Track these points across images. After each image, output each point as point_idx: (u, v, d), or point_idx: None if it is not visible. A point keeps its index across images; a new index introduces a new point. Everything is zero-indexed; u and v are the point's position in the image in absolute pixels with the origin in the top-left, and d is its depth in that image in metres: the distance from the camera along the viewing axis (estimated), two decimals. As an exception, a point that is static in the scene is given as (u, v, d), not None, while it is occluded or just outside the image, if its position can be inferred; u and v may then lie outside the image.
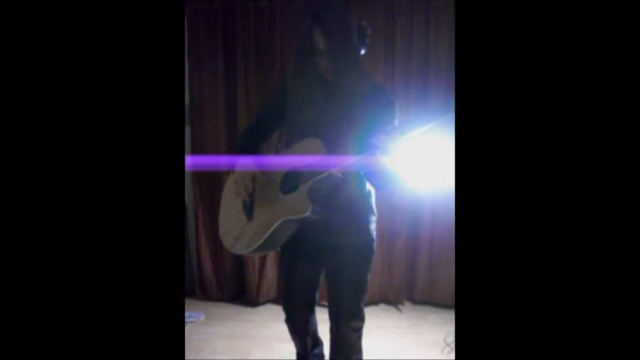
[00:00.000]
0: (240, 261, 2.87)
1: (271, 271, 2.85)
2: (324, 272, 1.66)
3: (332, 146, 1.39)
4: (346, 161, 1.34)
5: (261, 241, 1.46)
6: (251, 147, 1.59)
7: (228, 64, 2.66)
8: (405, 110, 2.49)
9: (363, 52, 1.47)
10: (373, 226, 1.59)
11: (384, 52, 2.62)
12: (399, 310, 2.84)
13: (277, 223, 1.44)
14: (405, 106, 2.53)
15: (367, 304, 2.77)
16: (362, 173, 1.45)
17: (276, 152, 1.60)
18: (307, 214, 1.38)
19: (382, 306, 2.89)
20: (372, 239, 1.58)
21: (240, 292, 2.94)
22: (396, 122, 1.45)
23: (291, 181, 1.46)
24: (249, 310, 2.85)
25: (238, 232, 1.56)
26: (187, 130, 2.75)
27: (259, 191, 1.53)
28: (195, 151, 2.77)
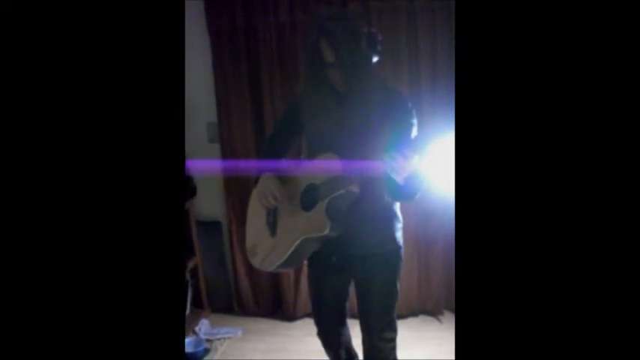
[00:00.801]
0: (275, 275, 2.86)
1: (307, 285, 2.81)
2: (352, 283, 1.64)
3: (348, 161, 1.37)
4: (361, 178, 1.33)
5: (284, 259, 1.47)
6: (273, 153, 1.59)
7: (252, 80, 2.69)
8: (432, 114, 2.46)
9: (375, 59, 1.45)
10: (399, 234, 1.56)
11: (408, 57, 2.57)
12: (439, 320, 2.78)
13: (298, 242, 1.44)
14: (432, 111, 2.48)
15: (406, 316, 2.80)
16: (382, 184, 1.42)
17: (299, 159, 1.61)
18: (326, 232, 1.37)
19: (422, 317, 2.83)
20: (399, 246, 1.56)
21: (276, 306, 2.94)
22: (414, 130, 1.42)
23: (310, 197, 1.45)
24: (286, 324, 2.83)
25: (263, 247, 1.57)
26: (217, 146, 2.79)
27: (282, 205, 1.52)
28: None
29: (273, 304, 2.94)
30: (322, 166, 1.43)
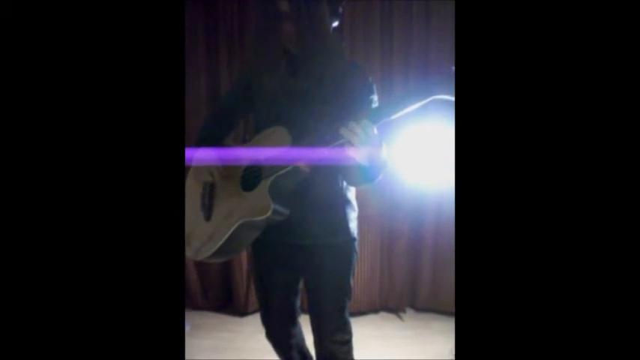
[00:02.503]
0: (226, 266, 2.67)
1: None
2: (302, 279, 1.46)
3: (298, 134, 1.20)
4: (312, 154, 1.14)
5: (218, 246, 1.25)
6: (212, 137, 1.39)
7: (210, 56, 2.48)
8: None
9: (335, 24, 1.27)
10: (353, 224, 1.39)
11: (381, 42, 2.42)
12: (400, 318, 2.65)
13: (235, 226, 1.23)
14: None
15: (366, 312, 2.65)
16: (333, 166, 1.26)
17: (243, 143, 1.40)
18: (268, 214, 1.19)
19: (383, 314, 2.70)
20: (353, 238, 1.39)
21: (227, 300, 2.75)
22: (373, 106, 1.26)
23: (251, 176, 1.27)
24: (236, 320, 2.65)
25: (197, 235, 1.35)
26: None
27: (219, 187, 1.33)
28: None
29: (223, 298, 2.75)
30: (268, 138, 1.25)
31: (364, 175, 1.20)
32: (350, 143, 1.07)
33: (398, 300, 2.67)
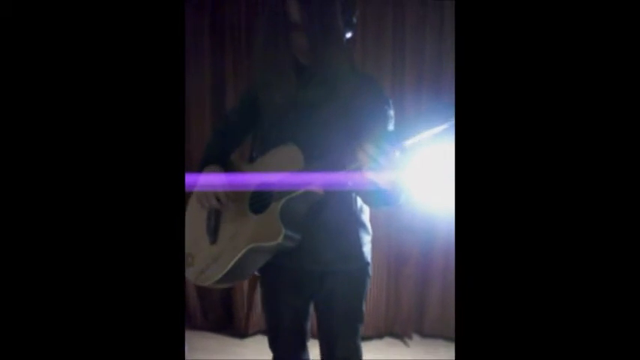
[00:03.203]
0: (227, 285, 2.59)
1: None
2: (312, 303, 1.39)
3: (311, 154, 1.13)
4: (327, 177, 1.07)
5: (224, 272, 1.18)
6: (217, 157, 1.31)
7: (215, 62, 2.41)
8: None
9: (348, 35, 1.20)
10: (367, 248, 1.32)
11: (392, 55, 2.35)
12: (406, 344, 2.56)
13: (243, 251, 1.16)
14: (416, 111, 2.26)
15: (371, 338, 2.55)
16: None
17: (250, 161, 1.32)
18: (279, 240, 1.11)
19: (388, 339, 2.60)
20: (367, 262, 1.32)
21: (227, 321, 2.66)
22: (391, 125, 1.20)
23: (261, 197, 1.19)
24: (237, 341, 2.56)
25: (200, 257, 1.28)
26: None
27: (226, 207, 1.24)
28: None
29: (223, 319, 2.67)
30: (279, 157, 1.18)
31: (384, 199, 1.13)
32: (368, 167, 1.00)
33: (404, 325, 2.58)
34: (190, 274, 1.28)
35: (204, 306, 2.65)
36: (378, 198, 1.14)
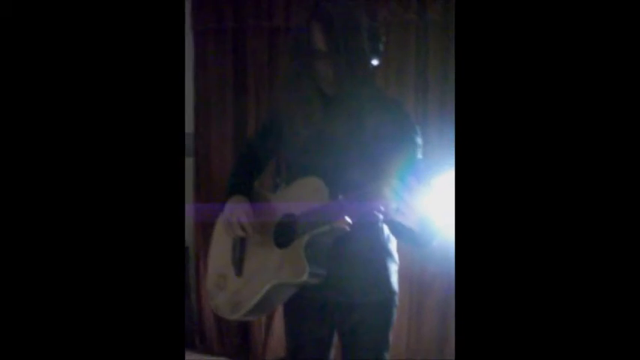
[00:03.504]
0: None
1: (280, 324, 2.51)
2: (337, 333, 1.37)
3: (336, 187, 1.10)
4: (351, 211, 1.05)
5: (249, 308, 1.18)
6: (243, 186, 1.30)
7: (237, 89, 2.43)
8: (439, 143, 2.19)
9: (375, 62, 1.18)
10: (394, 277, 1.29)
11: (415, 78, 2.34)
12: (427, 374, 2.47)
13: (266, 288, 1.15)
14: (439, 137, 2.23)
15: None
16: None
17: (274, 190, 1.32)
18: (304, 278, 1.09)
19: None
20: (394, 292, 1.29)
21: (244, 347, 2.63)
22: (419, 153, 1.17)
23: (285, 230, 1.17)
24: (253, 368, 2.53)
25: (226, 288, 1.28)
26: (190, 161, 2.50)
27: (252, 238, 1.24)
28: (200, 187, 2.53)
29: (240, 344, 2.63)
30: (303, 190, 1.16)
31: (412, 239, 1.09)
32: (394, 203, 0.96)
33: (425, 356, 2.49)
34: (217, 304, 1.29)
35: (221, 331, 2.62)
36: (405, 237, 1.12)
